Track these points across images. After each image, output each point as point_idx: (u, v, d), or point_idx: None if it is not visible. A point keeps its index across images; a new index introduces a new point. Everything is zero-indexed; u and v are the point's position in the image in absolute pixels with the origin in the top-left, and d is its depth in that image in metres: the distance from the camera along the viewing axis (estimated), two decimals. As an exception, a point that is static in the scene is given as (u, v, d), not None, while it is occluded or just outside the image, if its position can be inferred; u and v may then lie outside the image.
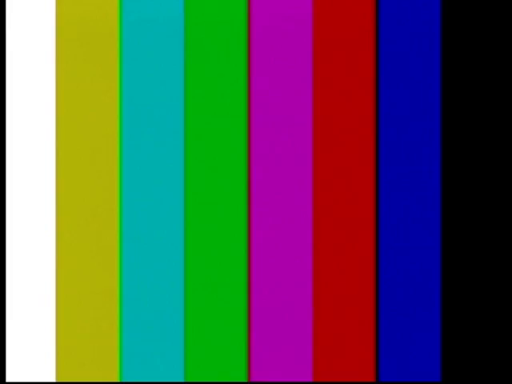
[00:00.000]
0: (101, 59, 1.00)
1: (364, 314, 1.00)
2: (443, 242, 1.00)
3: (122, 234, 0.99)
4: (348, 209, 1.00)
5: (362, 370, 1.00)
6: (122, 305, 0.99)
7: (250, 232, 1.00)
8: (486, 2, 1.00)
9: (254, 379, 1.00)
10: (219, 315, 1.00)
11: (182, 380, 1.00)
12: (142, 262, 0.99)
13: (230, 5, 1.01)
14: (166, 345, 0.99)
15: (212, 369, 1.00)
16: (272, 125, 1.00)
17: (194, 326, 1.00)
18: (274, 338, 1.00)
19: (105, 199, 1.00)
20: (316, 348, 1.00)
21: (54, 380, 0.99)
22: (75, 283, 0.99)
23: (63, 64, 1.00)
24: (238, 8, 1.01)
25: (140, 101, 1.00)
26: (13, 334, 0.99)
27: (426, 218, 1.00)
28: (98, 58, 1.00)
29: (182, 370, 1.00)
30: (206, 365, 1.00)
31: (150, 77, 1.00)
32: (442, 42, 1.00)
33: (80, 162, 1.00)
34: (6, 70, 0.99)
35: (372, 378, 1.00)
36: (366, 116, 1.00)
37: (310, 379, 1.00)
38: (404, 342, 1.00)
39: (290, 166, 1.00)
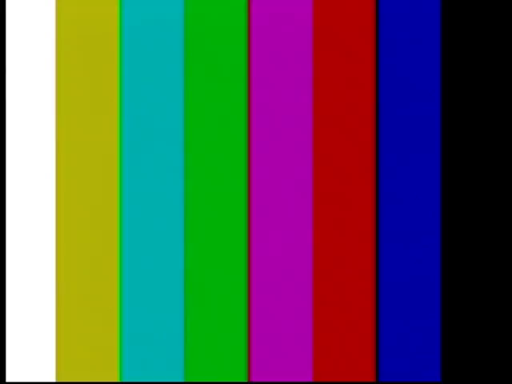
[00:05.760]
0: (101, 59, 1.00)
1: (364, 314, 1.00)
2: (443, 243, 1.00)
3: (122, 235, 0.99)
4: (348, 209, 1.00)
5: (362, 370, 1.01)
6: (122, 305, 0.99)
7: (250, 232, 1.00)
8: (486, 1, 1.00)
9: (254, 379, 1.00)
10: (219, 315, 1.00)
11: (182, 380, 1.00)
12: (142, 262, 0.99)
13: (230, 5, 1.01)
14: (166, 345, 0.99)
15: (212, 369, 1.00)
16: (272, 125, 1.00)
17: (194, 326, 1.00)
18: (274, 337, 1.00)
19: (105, 198, 1.00)
20: (316, 348, 1.00)
21: (54, 380, 0.99)
22: (75, 283, 0.99)
23: (63, 64, 1.00)
24: (238, 8, 1.01)
25: (140, 101, 1.00)
26: (13, 334, 0.99)
27: (425, 218, 1.00)
28: (98, 58, 1.00)
29: (181, 370, 1.00)
30: (206, 365, 1.00)
31: (150, 76, 1.00)
32: (442, 42, 1.00)
33: (80, 162, 1.00)
34: (6, 70, 0.99)
35: (372, 378, 1.00)
36: (366, 115, 1.01)
37: (310, 379, 1.00)
38: (404, 341, 1.00)
39: (290, 166, 1.00)
